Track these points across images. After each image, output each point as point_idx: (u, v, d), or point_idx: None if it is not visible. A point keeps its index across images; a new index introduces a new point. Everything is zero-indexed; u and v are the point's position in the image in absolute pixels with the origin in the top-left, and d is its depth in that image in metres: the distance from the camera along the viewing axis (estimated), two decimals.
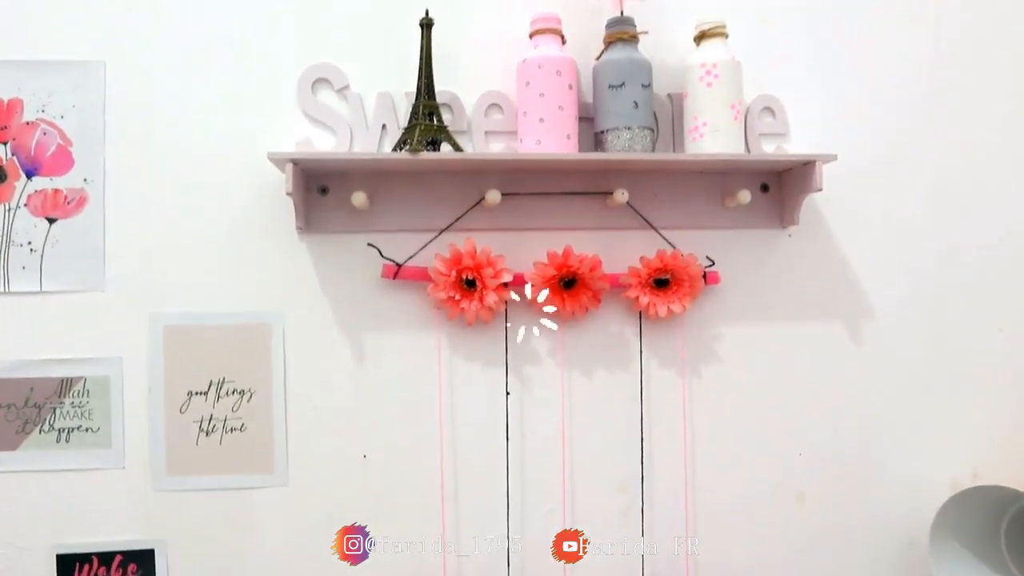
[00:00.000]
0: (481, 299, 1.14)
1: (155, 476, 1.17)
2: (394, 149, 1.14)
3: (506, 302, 1.17)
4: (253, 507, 1.19)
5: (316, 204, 1.18)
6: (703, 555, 1.25)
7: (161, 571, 1.17)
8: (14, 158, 1.16)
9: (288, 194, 1.08)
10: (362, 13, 1.21)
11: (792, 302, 1.28)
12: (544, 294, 1.15)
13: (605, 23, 1.18)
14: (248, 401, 1.18)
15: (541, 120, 1.13)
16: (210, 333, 1.17)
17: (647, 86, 1.16)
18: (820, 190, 1.16)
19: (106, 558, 1.16)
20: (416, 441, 1.20)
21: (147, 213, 1.17)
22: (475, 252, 1.14)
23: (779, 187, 1.26)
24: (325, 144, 1.18)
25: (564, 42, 1.17)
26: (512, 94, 1.19)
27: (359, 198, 1.12)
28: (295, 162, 1.08)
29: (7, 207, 1.16)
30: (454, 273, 1.14)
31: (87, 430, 1.16)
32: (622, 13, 1.17)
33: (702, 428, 1.25)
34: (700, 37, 1.18)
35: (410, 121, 1.13)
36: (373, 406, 1.20)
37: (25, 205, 1.16)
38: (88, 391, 1.16)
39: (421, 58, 1.13)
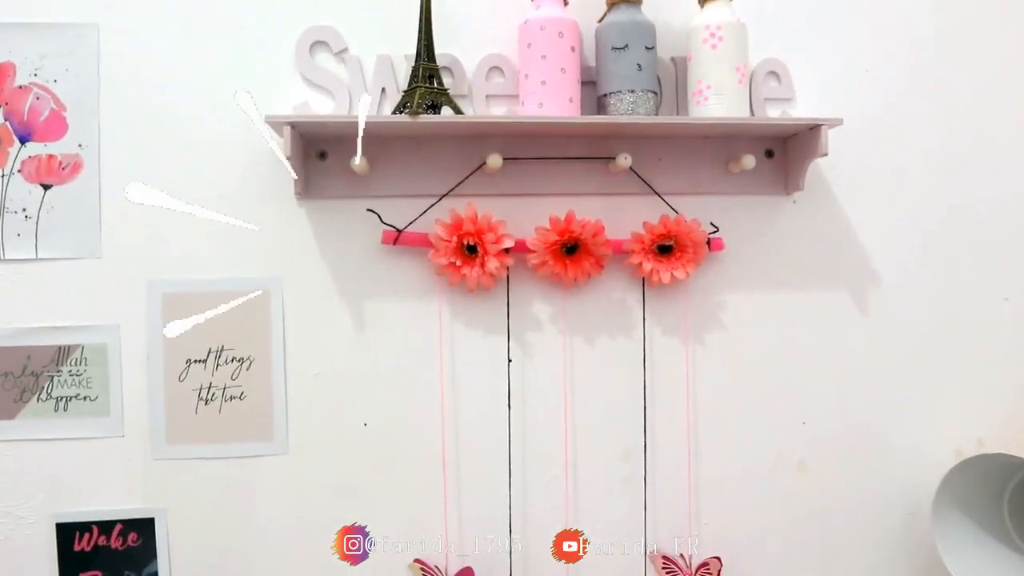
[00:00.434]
0: (483, 265, 1.13)
1: (154, 444, 1.16)
2: (394, 112, 1.12)
3: (507, 268, 1.16)
4: (253, 475, 1.18)
5: (315, 169, 1.16)
6: (706, 522, 1.24)
7: (161, 540, 1.17)
8: (7, 123, 1.15)
9: (287, 158, 1.06)
10: None
11: (796, 268, 1.26)
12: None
13: None
14: (247, 369, 1.17)
15: (543, 83, 1.11)
16: (209, 300, 1.16)
17: (651, 48, 1.14)
18: (826, 155, 1.14)
19: (106, 527, 1.16)
20: (417, 409, 1.20)
21: (143, 179, 1.15)
22: (476, 217, 1.12)
23: (784, 152, 1.24)
24: (324, 108, 1.16)
25: (567, 3, 1.15)
26: (513, 57, 1.17)
27: (359, 163, 1.11)
28: (293, 125, 1.07)
29: (1, 174, 1.14)
30: (455, 239, 1.13)
31: (85, 398, 1.16)
32: None
33: (705, 396, 1.25)
34: None
35: (410, 84, 1.12)
36: (373, 373, 1.19)
37: (19, 171, 1.15)
38: (86, 359, 1.15)
39: (421, 20, 1.11)
